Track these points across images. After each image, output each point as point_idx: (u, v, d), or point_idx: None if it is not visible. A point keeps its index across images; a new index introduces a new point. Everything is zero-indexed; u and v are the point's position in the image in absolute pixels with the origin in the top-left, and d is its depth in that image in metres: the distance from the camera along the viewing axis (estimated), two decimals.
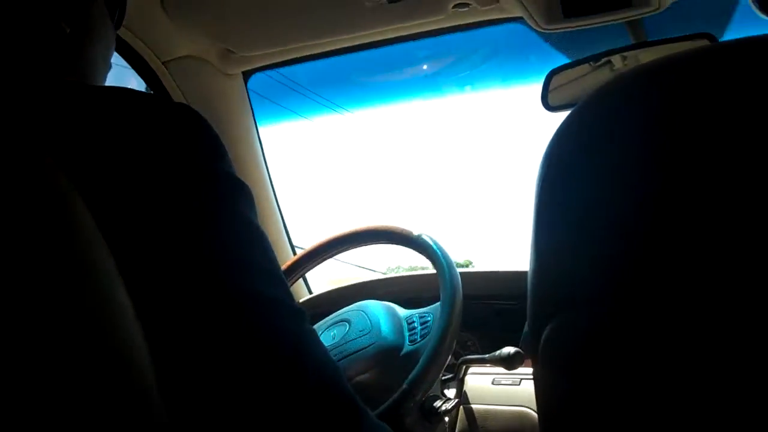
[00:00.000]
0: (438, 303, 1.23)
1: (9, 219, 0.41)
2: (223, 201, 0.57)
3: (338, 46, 1.55)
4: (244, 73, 1.67)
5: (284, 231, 1.92)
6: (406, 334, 1.24)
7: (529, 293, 0.51)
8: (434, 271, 1.28)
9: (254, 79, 1.71)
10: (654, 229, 0.43)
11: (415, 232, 1.33)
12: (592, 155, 0.46)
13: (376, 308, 1.32)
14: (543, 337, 0.49)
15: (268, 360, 0.54)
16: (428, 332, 1.19)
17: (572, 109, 0.48)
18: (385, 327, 1.25)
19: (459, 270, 1.26)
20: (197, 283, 0.53)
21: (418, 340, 1.21)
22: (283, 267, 1.50)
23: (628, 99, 0.46)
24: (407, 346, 1.22)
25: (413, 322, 1.25)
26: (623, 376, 0.45)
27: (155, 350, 0.49)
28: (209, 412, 0.52)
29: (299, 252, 1.50)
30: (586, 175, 0.46)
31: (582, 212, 0.46)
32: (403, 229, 1.35)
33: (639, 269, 0.44)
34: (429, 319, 1.23)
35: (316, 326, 1.36)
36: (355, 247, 1.44)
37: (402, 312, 1.31)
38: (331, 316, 1.39)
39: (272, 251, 0.60)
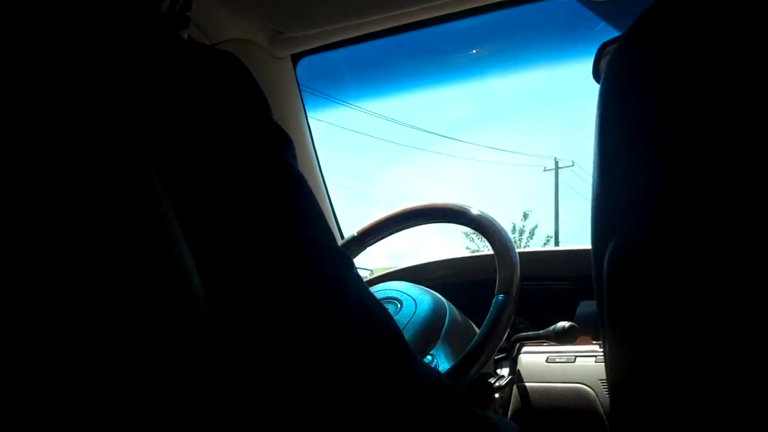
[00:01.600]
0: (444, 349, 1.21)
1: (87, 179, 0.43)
2: (271, 148, 0.58)
3: (387, 26, 1.55)
4: (292, 56, 1.67)
5: (333, 217, 1.93)
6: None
7: (591, 213, 0.51)
8: (491, 253, 1.27)
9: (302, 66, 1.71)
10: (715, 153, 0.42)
11: (476, 211, 1.32)
12: (657, 66, 0.45)
13: (425, 312, 1.28)
14: (606, 259, 0.48)
15: (314, 300, 0.54)
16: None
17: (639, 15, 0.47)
18: (409, 339, 1.20)
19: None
20: (248, 224, 0.54)
21: None
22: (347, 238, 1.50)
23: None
24: None
25: (428, 362, 1.20)
26: (690, 305, 0.44)
27: (209, 288, 0.50)
28: (255, 349, 0.53)
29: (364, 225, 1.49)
30: (649, 87, 0.46)
31: (642, 122, 0.46)
32: (465, 207, 1.34)
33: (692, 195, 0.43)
34: (435, 363, 1.19)
35: None
36: (416, 225, 1.43)
37: (438, 345, 1.24)
38: (385, 287, 1.39)
39: (318, 203, 0.60)
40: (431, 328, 1.25)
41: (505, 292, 1.18)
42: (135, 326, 0.43)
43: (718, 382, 0.43)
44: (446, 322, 1.28)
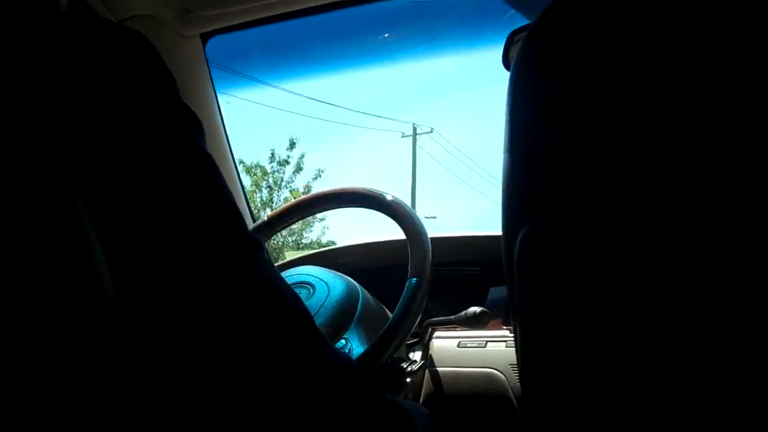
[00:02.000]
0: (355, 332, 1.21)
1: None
2: (178, 130, 0.56)
3: (296, 8, 1.52)
4: (202, 35, 1.63)
5: (244, 198, 1.90)
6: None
7: (502, 198, 0.51)
8: (402, 238, 1.26)
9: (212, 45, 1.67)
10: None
11: (389, 196, 1.31)
12: (565, 54, 0.46)
13: (338, 296, 1.27)
14: (517, 245, 0.48)
15: (223, 283, 0.54)
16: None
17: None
18: (322, 323, 1.22)
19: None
20: (156, 208, 0.52)
21: None
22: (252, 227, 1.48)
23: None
24: None
25: (341, 346, 1.21)
26: (600, 292, 0.44)
27: (120, 277, 0.49)
28: (165, 333, 0.52)
29: (270, 212, 1.47)
30: (557, 74, 0.46)
31: (550, 109, 0.47)
32: (377, 192, 1.33)
33: (603, 173, 0.43)
34: (348, 347, 1.19)
35: None
36: (326, 210, 1.42)
37: (352, 327, 1.25)
38: (297, 272, 1.37)
39: (227, 185, 0.59)
40: (344, 313, 1.24)
41: (418, 276, 1.18)
42: (43, 321, 0.43)
43: (625, 366, 0.44)
44: (359, 306, 1.28)
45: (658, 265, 0.42)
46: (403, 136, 21.64)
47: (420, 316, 1.17)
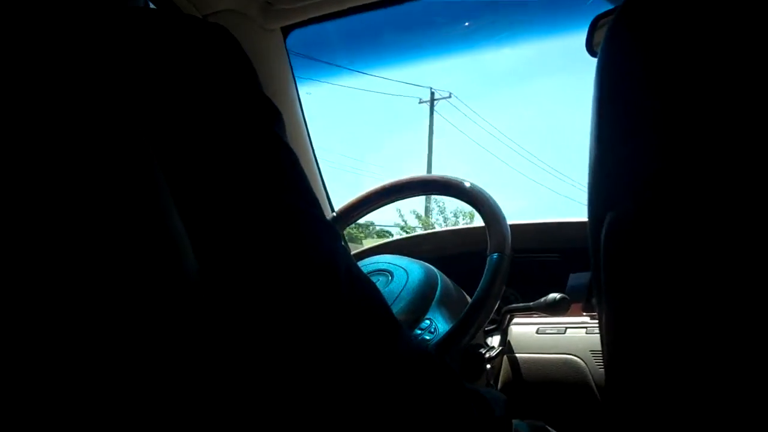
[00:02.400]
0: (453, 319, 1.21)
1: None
2: (260, 122, 0.58)
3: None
4: (283, 29, 1.66)
5: (324, 191, 1.93)
6: (413, 330, 1.21)
7: (589, 185, 0.51)
8: (475, 226, 1.27)
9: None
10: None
11: (467, 183, 1.32)
12: (656, 40, 0.45)
13: (417, 280, 1.29)
14: (604, 230, 0.48)
15: (304, 271, 0.55)
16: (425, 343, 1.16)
17: None
18: (403, 309, 1.22)
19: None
20: (239, 197, 0.54)
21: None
22: (337, 212, 1.50)
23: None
24: None
25: (423, 329, 1.21)
26: (687, 277, 0.44)
27: (203, 261, 0.51)
28: (245, 318, 0.54)
29: (349, 200, 1.49)
30: (648, 63, 0.46)
31: (642, 98, 0.46)
32: (456, 180, 1.34)
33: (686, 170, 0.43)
34: (431, 338, 1.19)
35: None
36: (408, 197, 1.44)
37: (433, 307, 1.26)
38: (376, 260, 1.39)
39: (306, 176, 0.61)
40: (425, 294, 1.26)
41: (499, 251, 1.20)
42: (129, 299, 0.45)
43: (714, 359, 0.44)
44: (439, 288, 1.29)
45: (750, 257, 0.41)
46: (420, 102, 20.99)
47: (502, 293, 1.18)
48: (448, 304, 1.28)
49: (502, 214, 1.26)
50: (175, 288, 0.49)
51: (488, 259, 1.20)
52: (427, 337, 1.18)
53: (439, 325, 1.20)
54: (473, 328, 1.13)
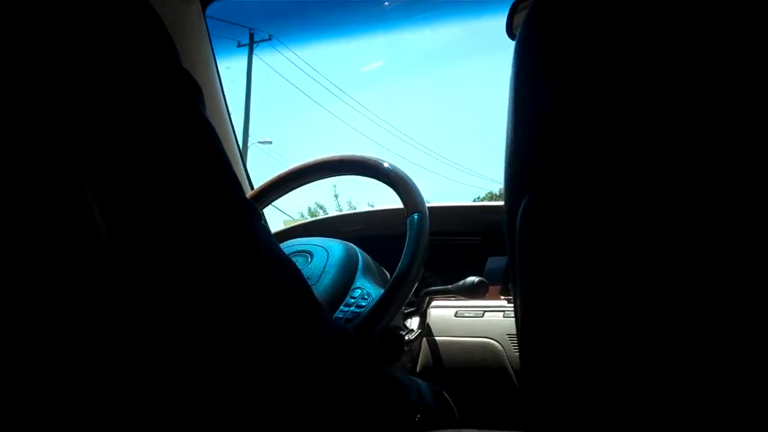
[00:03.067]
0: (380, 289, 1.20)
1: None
2: (180, 96, 0.56)
3: None
4: (202, 1, 1.61)
5: (243, 168, 1.89)
6: (341, 306, 1.19)
7: (505, 168, 0.51)
8: (400, 207, 1.26)
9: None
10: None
11: (386, 164, 1.31)
12: (573, 23, 0.45)
13: (338, 256, 1.27)
14: (519, 214, 0.48)
15: (224, 250, 0.54)
16: (355, 318, 1.14)
17: None
18: (329, 286, 1.21)
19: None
20: (158, 173, 0.52)
21: (342, 320, 1.16)
22: (249, 196, 1.47)
23: None
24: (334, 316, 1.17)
25: (354, 298, 1.20)
26: (604, 261, 0.44)
27: (119, 242, 0.49)
28: (163, 299, 0.52)
29: (266, 181, 1.46)
30: (565, 45, 0.46)
31: (557, 79, 0.46)
32: (375, 160, 1.32)
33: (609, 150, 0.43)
34: (365, 303, 1.18)
35: None
36: (324, 177, 1.41)
37: (358, 277, 1.25)
38: (295, 242, 1.37)
39: (226, 153, 0.59)
40: (349, 266, 1.25)
41: (417, 210, 1.19)
42: (44, 275, 0.44)
43: (626, 339, 0.44)
44: (360, 259, 1.28)
45: (660, 237, 0.42)
46: (239, 46, 19.56)
47: (427, 254, 1.17)
48: (372, 274, 1.27)
49: (408, 176, 1.25)
50: (92, 273, 0.47)
51: (409, 220, 1.19)
52: (363, 304, 1.17)
53: (371, 291, 1.20)
54: (408, 284, 1.12)
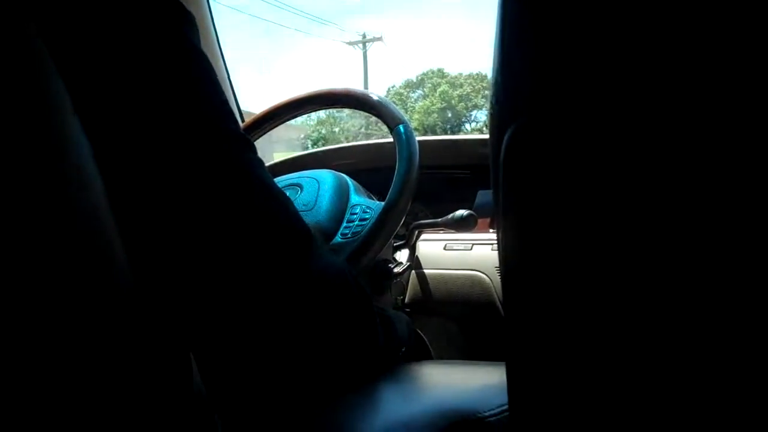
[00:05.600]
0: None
1: None
2: (174, 27, 0.55)
3: None
4: None
5: (234, 100, 1.88)
6: (343, 224, 1.20)
7: (491, 96, 0.50)
8: (390, 140, 1.25)
9: None
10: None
11: (375, 96, 1.29)
12: None
13: (330, 183, 1.28)
14: (504, 144, 0.47)
15: (219, 182, 0.54)
16: (362, 230, 1.15)
17: None
18: (326, 209, 1.21)
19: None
20: (153, 106, 0.52)
21: (349, 235, 1.17)
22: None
23: None
24: (338, 238, 1.18)
25: (356, 213, 1.21)
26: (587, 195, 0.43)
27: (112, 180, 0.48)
28: (161, 231, 0.52)
29: (256, 113, 1.45)
30: None
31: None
32: (364, 93, 1.30)
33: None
34: (368, 215, 1.19)
35: None
36: (314, 110, 1.40)
37: (353, 196, 1.26)
38: (286, 177, 1.37)
39: (221, 86, 0.59)
40: (341, 190, 1.26)
41: (401, 122, 1.19)
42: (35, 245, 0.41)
43: (608, 273, 0.44)
44: (351, 184, 1.29)
45: (649, 171, 0.41)
46: (350, 44, 20.64)
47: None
48: (367, 195, 1.29)
49: (384, 97, 1.26)
50: (82, 202, 0.45)
51: (395, 132, 1.19)
52: (366, 217, 1.18)
53: (371, 205, 1.21)
54: (407, 193, 1.12)
